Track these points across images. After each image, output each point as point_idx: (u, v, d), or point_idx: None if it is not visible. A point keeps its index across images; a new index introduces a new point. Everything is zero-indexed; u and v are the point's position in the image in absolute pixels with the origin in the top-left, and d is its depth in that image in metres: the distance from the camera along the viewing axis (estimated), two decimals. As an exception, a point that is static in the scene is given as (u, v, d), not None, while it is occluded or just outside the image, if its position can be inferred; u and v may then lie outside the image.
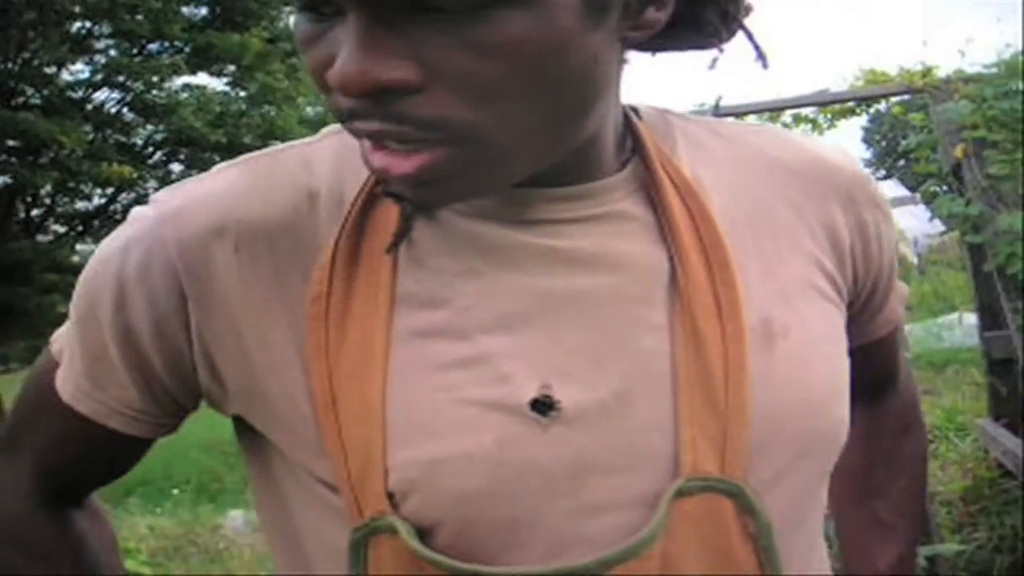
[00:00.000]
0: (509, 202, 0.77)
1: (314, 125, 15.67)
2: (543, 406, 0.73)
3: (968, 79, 4.56)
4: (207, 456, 10.12)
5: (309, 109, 16.41)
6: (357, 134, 0.68)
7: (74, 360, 0.83)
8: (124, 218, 0.81)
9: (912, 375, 1.04)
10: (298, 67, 15.45)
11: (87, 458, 0.87)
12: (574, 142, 0.73)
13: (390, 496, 0.72)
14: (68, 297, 0.83)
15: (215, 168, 0.84)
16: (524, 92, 0.65)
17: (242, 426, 0.83)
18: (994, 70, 5.16)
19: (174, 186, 0.82)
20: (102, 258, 0.80)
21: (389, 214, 0.77)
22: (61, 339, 0.86)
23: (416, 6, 0.62)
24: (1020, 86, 4.24)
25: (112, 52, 14.71)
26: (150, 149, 15.62)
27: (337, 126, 0.80)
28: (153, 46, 14.87)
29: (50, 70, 14.15)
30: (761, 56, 0.82)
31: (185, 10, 14.75)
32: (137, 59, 14.59)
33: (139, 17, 13.78)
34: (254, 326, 0.76)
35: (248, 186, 0.79)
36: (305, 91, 15.76)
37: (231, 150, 14.79)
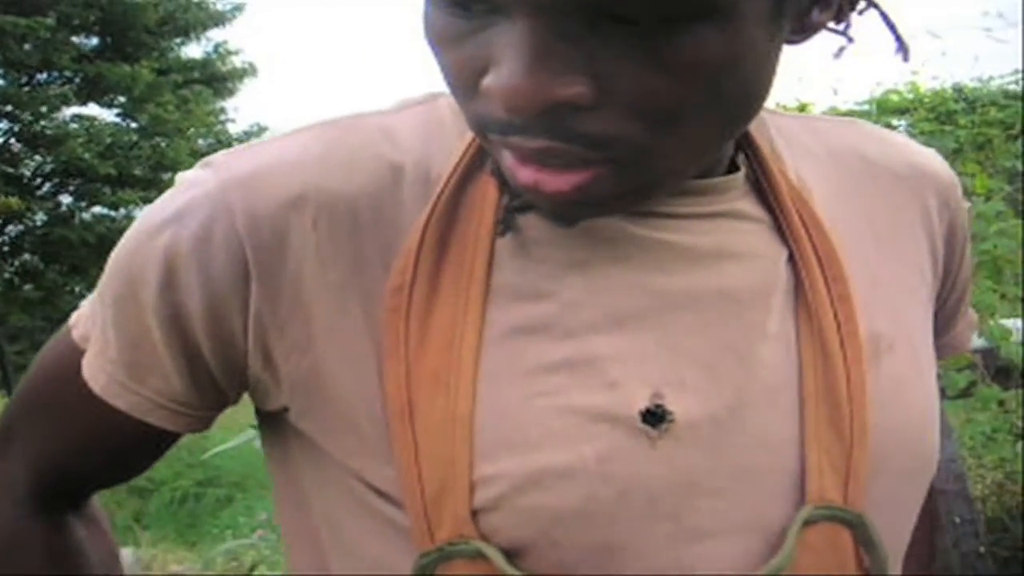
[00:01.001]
0: None
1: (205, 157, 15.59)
2: (654, 417, 0.65)
3: (841, 116, 4.75)
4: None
5: (200, 141, 16.27)
6: (513, 149, 0.60)
7: (107, 348, 0.72)
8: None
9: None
10: (188, 99, 15.38)
11: (107, 456, 0.78)
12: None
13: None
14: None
15: (282, 133, 0.74)
16: (703, 111, 0.59)
17: (272, 425, 0.75)
18: (866, 107, 5.38)
19: (232, 150, 0.73)
20: (145, 229, 0.70)
21: (486, 196, 0.69)
22: (85, 322, 0.76)
23: (600, 15, 0.55)
24: (891, 122, 4.43)
25: (0, 81, 14.46)
26: (38, 180, 15.33)
27: (416, 96, 0.75)
28: (42, 76, 14.67)
29: (-65, 99, 13.88)
30: (903, 48, 0.73)
31: (75, 40, 14.58)
32: (25, 89, 14.37)
33: (28, 46, 13.57)
34: (326, 312, 0.67)
35: (325, 154, 0.69)
36: (196, 123, 15.66)
37: (121, 182, 14.66)
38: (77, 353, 0.75)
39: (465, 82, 0.60)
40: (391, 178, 0.69)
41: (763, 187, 0.74)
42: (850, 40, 0.71)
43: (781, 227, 0.73)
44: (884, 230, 0.78)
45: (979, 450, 3.68)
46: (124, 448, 0.77)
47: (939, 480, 2.92)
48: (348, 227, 0.68)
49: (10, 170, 14.80)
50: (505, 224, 0.68)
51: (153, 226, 0.69)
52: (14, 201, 13.57)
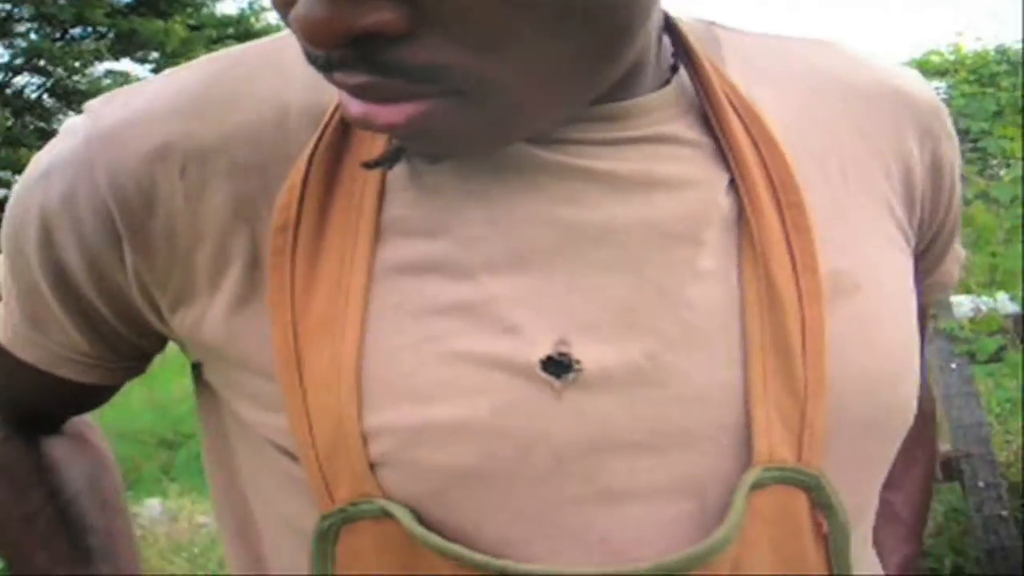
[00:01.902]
0: None
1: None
2: (558, 366, 0.59)
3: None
4: (123, 444, 10.01)
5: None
6: (338, 86, 0.54)
7: (10, 300, 0.71)
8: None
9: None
10: (222, 55, 15.41)
11: (46, 403, 0.78)
12: (614, 77, 0.58)
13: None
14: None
15: (165, 72, 0.69)
16: (542, 30, 0.50)
17: (197, 380, 0.72)
18: (905, 69, 5.29)
19: (111, 94, 0.68)
20: (25, 182, 0.67)
21: None
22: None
23: None
24: (932, 84, 4.37)
25: (33, 36, 14.53)
26: (71, 135, 15.47)
27: None
28: (75, 31, 14.71)
29: (-32, 53, 13.96)
30: None
31: (109, -5, 14.62)
32: (59, 44, 14.43)
33: (61, 1, 13.60)
34: (207, 262, 0.62)
35: (201, 95, 0.64)
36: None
37: (154, 137, 14.73)
38: None
39: (285, 16, 0.53)
40: (275, 114, 0.63)
41: (704, 107, 0.66)
42: None
43: (724, 151, 0.65)
44: (852, 159, 0.70)
45: (1005, 416, 3.66)
46: (57, 397, 0.75)
47: (964, 444, 2.91)
48: (224, 170, 0.62)
49: (43, 125, 14.89)
50: (388, 151, 0.61)
51: (32, 180, 0.66)
52: (47, 155, 13.68)
